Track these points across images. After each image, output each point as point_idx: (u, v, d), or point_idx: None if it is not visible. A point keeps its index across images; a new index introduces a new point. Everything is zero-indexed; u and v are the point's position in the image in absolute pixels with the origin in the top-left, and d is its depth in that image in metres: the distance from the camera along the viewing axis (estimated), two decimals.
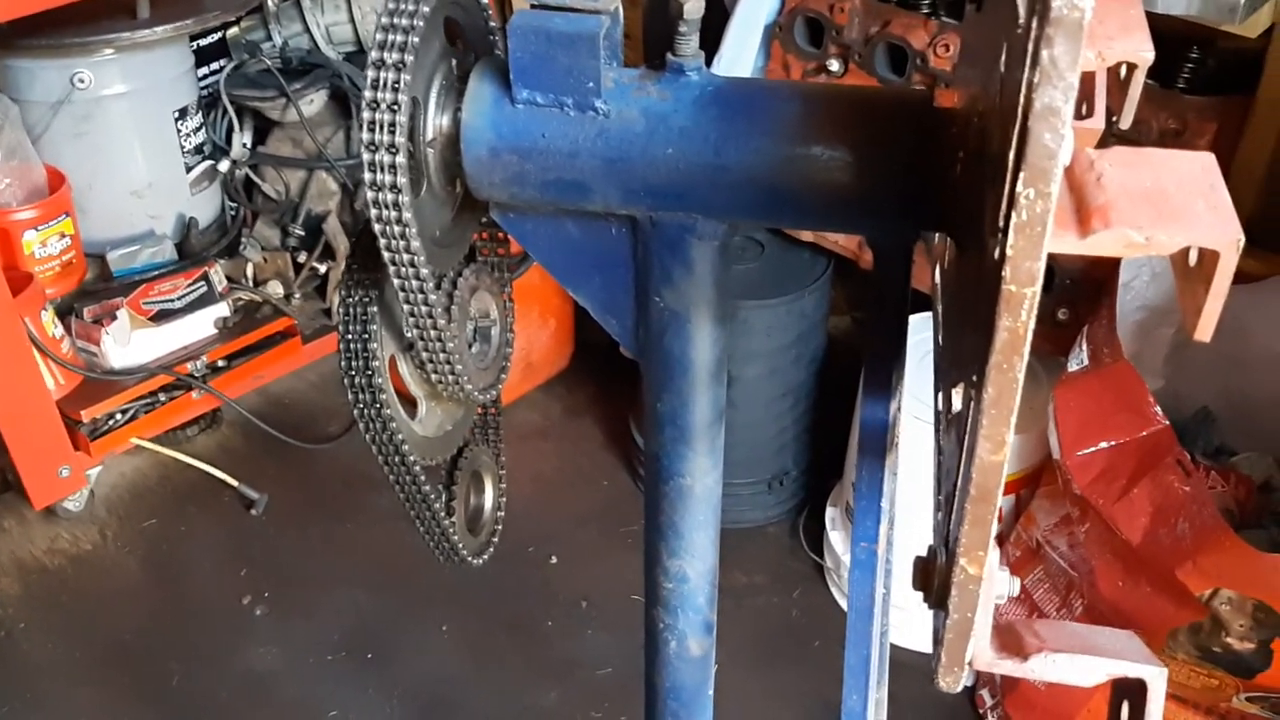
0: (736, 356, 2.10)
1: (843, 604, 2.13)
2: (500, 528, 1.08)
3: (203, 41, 2.64)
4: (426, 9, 0.67)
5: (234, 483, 2.33)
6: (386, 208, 0.69)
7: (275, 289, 2.47)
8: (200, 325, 2.32)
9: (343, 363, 0.82)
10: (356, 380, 0.81)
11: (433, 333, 0.80)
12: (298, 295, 2.51)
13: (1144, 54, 0.74)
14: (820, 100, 0.70)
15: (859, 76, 1.90)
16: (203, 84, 2.59)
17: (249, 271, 2.46)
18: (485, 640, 2.08)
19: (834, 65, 1.94)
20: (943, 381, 0.73)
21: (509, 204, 0.79)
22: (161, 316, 2.28)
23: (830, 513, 2.18)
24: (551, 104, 0.71)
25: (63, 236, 2.29)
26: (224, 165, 2.55)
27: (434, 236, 0.76)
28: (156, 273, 2.35)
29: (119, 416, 2.23)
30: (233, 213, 2.60)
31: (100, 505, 2.34)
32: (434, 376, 0.84)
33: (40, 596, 2.15)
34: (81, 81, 2.26)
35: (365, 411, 0.83)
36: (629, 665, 2.03)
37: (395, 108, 0.66)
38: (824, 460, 2.28)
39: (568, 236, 0.81)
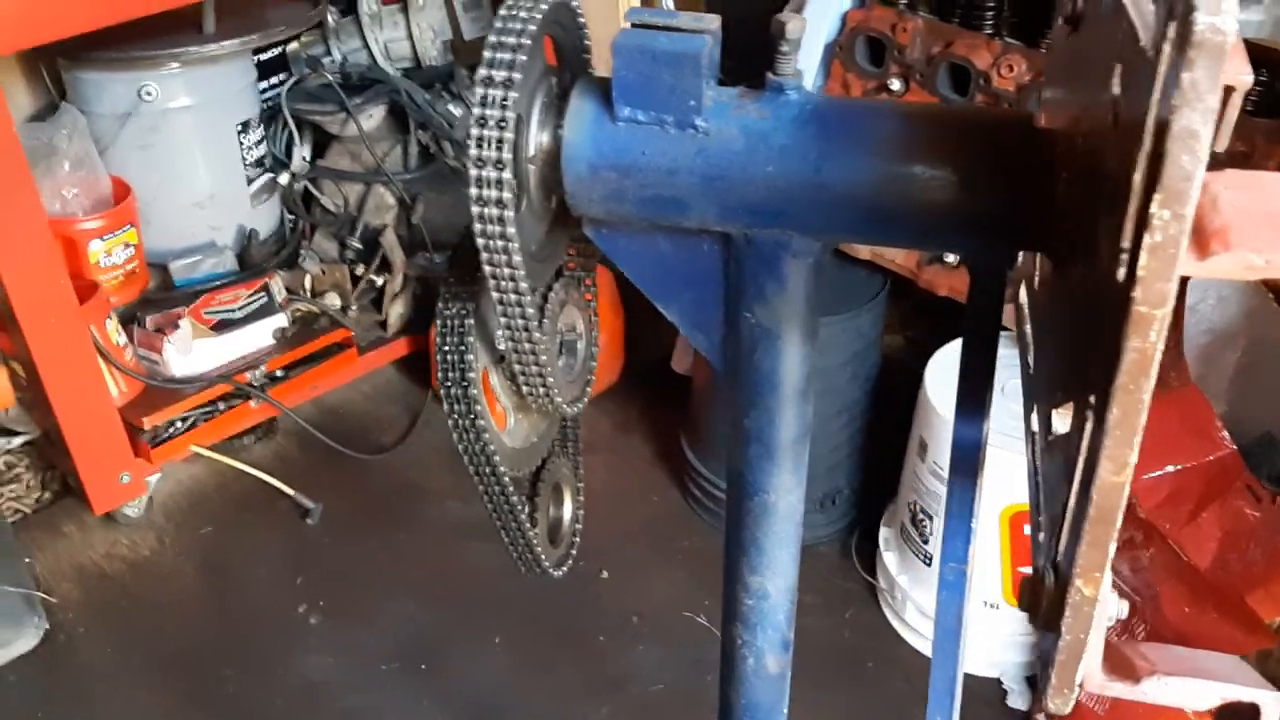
0: None
1: (896, 626, 2.12)
2: (578, 540, 1.09)
3: (264, 55, 2.69)
4: (533, 28, 0.68)
5: (290, 491, 2.35)
6: (490, 223, 0.70)
7: (332, 301, 2.50)
8: (259, 335, 2.35)
9: (440, 374, 0.84)
10: (453, 391, 0.83)
11: (527, 345, 0.81)
12: (354, 307, 2.54)
13: (1243, 77, 0.74)
14: (922, 119, 0.71)
15: (920, 96, 1.90)
16: (263, 97, 2.63)
17: (307, 283, 2.49)
18: (537, 653, 2.08)
19: (895, 84, 1.94)
20: (1039, 403, 0.73)
21: (604, 220, 0.80)
22: (222, 326, 2.32)
23: (884, 533, 2.17)
24: (652, 122, 0.72)
25: (127, 246, 2.33)
26: (284, 178, 2.59)
27: (531, 251, 0.78)
28: (218, 283, 2.38)
29: (179, 424, 2.27)
30: (291, 225, 2.64)
31: (159, 511, 2.37)
32: (525, 388, 0.85)
33: (99, 601, 2.18)
34: (148, 94, 2.31)
35: (460, 422, 0.84)
36: (681, 681, 2.03)
37: (503, 124, 0.67)
38: (877, 480, 2.27)
39: (659, 252, 0.81)
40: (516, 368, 0.83)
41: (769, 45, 0.76)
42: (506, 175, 0.68)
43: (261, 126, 2.54)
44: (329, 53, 2.77)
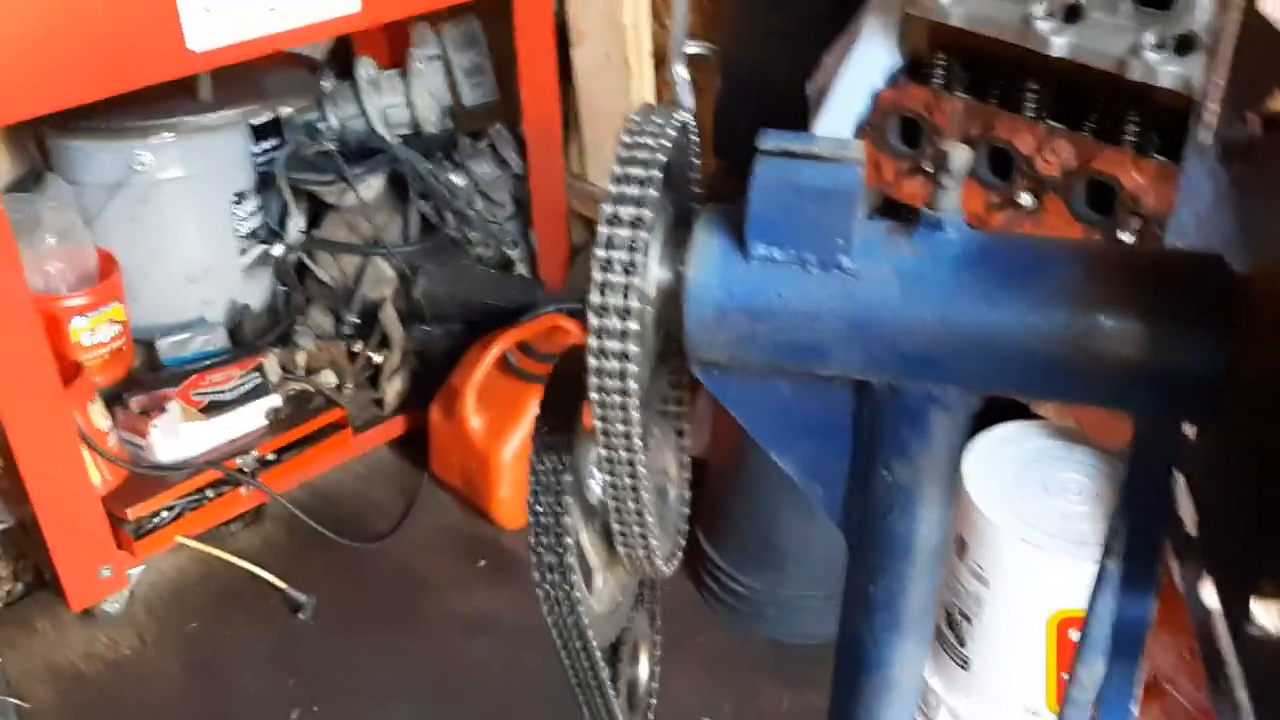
0: None
1: None
2: (655, 701, 0.98)
3: (257, 120, 2.59)
4: (661, 157, 0.59)
5: (281, 585, 2.21)
6: (610, 377, 0.60)
7: (328, 379, 2.38)
8: (251, 417, 2.23)
9: (532, 538, 0.73)
10: (546, 559, 0.72)
11: (632, 505, 0.70)
12: (350, 385, 2.42)
13: None
14: (1105, 262, 0.61)
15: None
16: (257, 164, 2.52)
17: (301, 360, 2.38)
18: None
19: (927, 167, 1.87)
20: (1219, 573, 0.63)
21: (720, 366, 0.70)
22: (212, 408, 2.19)
23: None
24: (792, 261, 0.62)
25: (113, 323, 2.21)
26: (278, 250, 2.48)
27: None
28: (208, 362, 2.26)
29: (164, 514, 2.13)
30: (285, 298, 2.52)
31: (140, 606, 2.23)
32: (624, 549, 0.74)
33: (76, 705, 2.03)
34: (141, 165, 2.20)
35: (553, 594, 0.73)
36: None
37: (631, 269, 0.57)
38: None
39: (779, 398, 0.71)
40: (617, 527, 0.72)
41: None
42: (633, 326, 0.58)
43: (256, 196, 2.43)
44: (324, 118, 2.67)
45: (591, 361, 0.60)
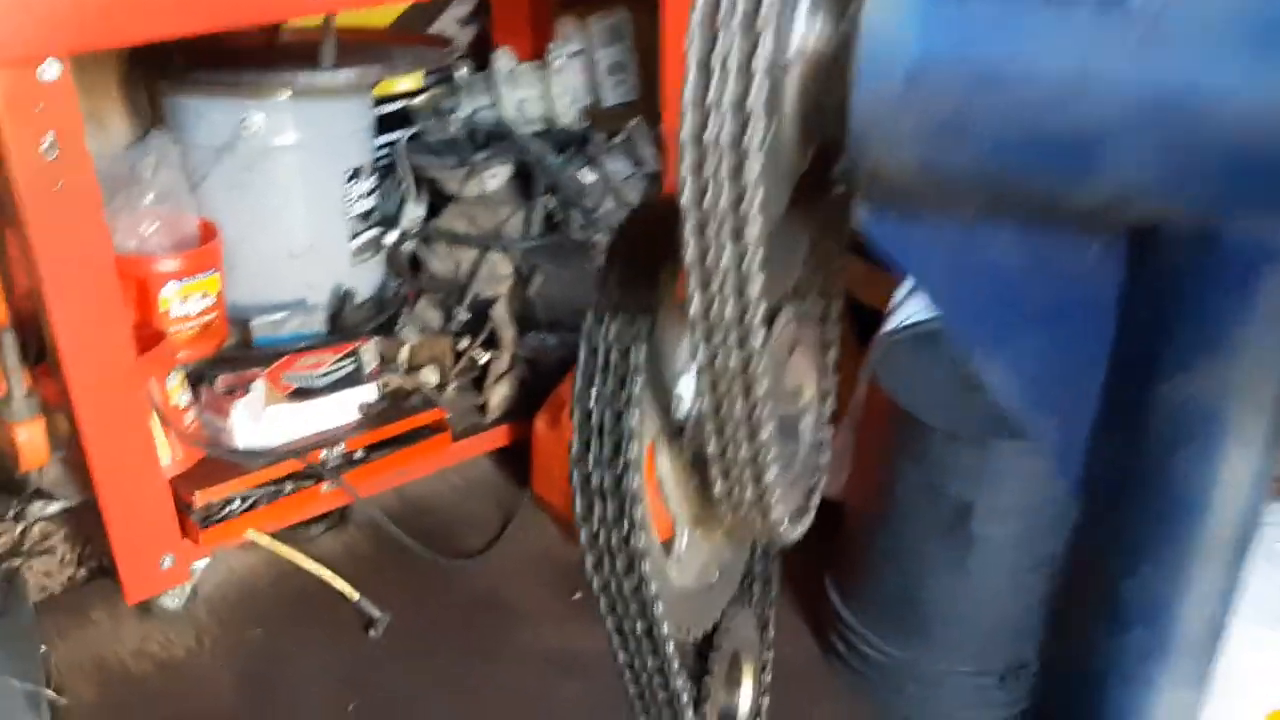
0: (981, 510, 1.68)
1: None
2: None
3: (386, 108, 2.44)
4: None
5: (355, 596, 1.98)
6: (721, 209, 0.34)
7: (429, 376, 2.17)
8: (342, 408, 2.02)
9: (575, 445, 0.46)
10: (597, 477, 0.45)
11: (741, 406, 0.43)
12: (453, 385, 2.20)
13: None
14: None
15: None
16: (379, 155, 2.36)
17: (403, 354, 2.17)
18: None
19: None
20: None
21: (904, 188, 0.42)
22: (301, 394, 1.99)
23: None
24: None
25: (205, 295, 2.05)
26: (392, 236, 2.30)
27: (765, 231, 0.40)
28: (302, 345, 2.07)
29: (237, 503, 1.93)
30: (395, 289, 2.33)
31: (202, 606, 2.03)
32: (726, 495, 0.46)
33: (115, 706, 1.82)
34: (251, 127, 2.04)
35: (604, 538, 0.46)
36: None
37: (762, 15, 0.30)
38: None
39: (993, 261, 0.43)
40: (717, 461, 0.45)
41: None
42: (760, 116, 0.32)
43: (374, 177, 2.25)
44: (456, 108, 2.50)
45: (688, 186, 0.34)
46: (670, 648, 0.51)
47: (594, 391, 0.46)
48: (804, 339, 0.56)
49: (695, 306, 0.40)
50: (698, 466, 0.50)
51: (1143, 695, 0.49)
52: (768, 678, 0.70)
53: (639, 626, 0.50)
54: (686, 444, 0.52)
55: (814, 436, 0.59)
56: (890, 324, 1.91)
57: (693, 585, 0.56)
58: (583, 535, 0.49)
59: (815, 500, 0.59)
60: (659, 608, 0.49)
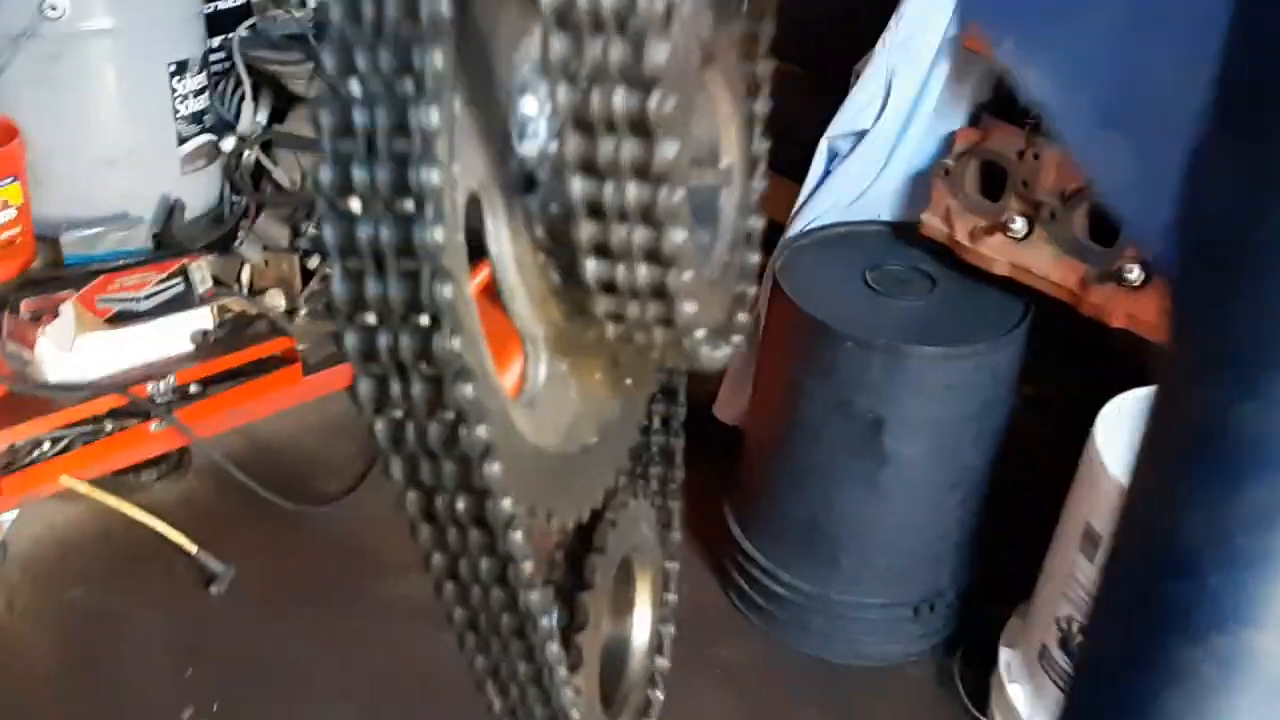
0: (894, 424, 1.52)
1: None
2: (662, 696, 0.49)
3: (221, 4, 2.15)
4: None
5: (193, 549, 1.74)
6: None
7: (275, 300, 1.91)
8: (171, 336, 1.76)
9: (330, 166, 0.25)
10: (367, 222, 0.24)
11: (627, 123, 0.22)
12: (303, 311, 1.95)
13: None
14: None
15: (1048, 242, 1.52)
16: (214, 57, 2.08)
17: (244, 275, 1.91)
18: None
19: (1017, 224, 1.54)
20: None
21: None
22: (121, 319, 1.73)
23: (1006, 656, 1.57)
24: None
25: (6, 206, 1.76)
26: (229, 143, 2.03)
27: None
28: (120, 262, 1.80)
29: (47, 446, 1.67)
30: (233, 202, 2.06)
31: (14, 564, 1.76)
32: (600, 267, 0.26)
33: None
34: (53, 9, 1.75)
35: (386, 329, 0.25)
36: None
37: None
38: (994, 581, 1.69)
39: None
40: (582, 194, 0.25)
41: None
42: None
43: (204, 73, 1.97)
44: (303, 3, 2.23)
45: None
46: (517, 538, 0.32)
47: (361, 63, 0.26)
48: (723, 66, 0.36)
49: None
50: (559, 250, 0.31)
51: (1246, 610, 0.31)
52: (672, 596, 0.51)
53: (460, 503, 0.30)
54: (538, 209, 0.32)
55: (739, 222, 0.40)
56: (792, 229, 1.74)
57: (555, 446, 0.37)
58: (349, 341, 0.29)
59: (742, 320, 0.40)
60: (493, 469, 0.30)
